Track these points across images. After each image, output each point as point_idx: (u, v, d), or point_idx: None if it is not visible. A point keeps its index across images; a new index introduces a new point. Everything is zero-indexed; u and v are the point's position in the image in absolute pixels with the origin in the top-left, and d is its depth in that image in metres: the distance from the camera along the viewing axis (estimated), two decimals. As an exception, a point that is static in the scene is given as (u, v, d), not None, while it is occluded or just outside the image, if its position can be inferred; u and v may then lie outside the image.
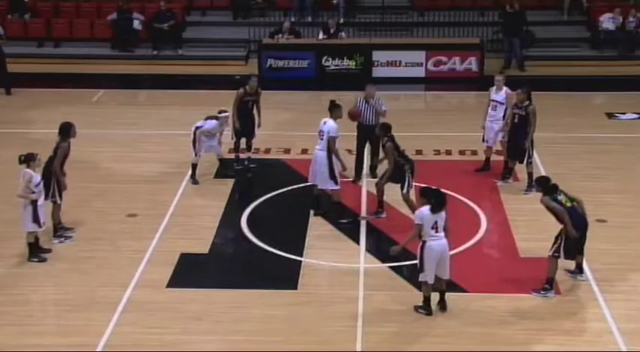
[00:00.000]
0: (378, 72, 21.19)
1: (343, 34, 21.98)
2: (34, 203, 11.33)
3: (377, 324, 10.10)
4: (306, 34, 22.56)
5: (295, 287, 11.01)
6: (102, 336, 9.78)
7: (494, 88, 14.33)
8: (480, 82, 19.70)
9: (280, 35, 21.91)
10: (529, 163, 13.76)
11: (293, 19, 22.81)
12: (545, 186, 10.72)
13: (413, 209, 12.46)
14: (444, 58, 21.27)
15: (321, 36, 21.82)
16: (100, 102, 19.38)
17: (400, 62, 21.29)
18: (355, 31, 23.02)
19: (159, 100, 19.61)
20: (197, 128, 14.08)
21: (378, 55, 21.28)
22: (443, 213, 10.07)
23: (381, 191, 12.75)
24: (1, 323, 10.07)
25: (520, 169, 14.08)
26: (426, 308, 10.27)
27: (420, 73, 21.25)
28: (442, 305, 10.33)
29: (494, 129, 14.29)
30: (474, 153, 15.51)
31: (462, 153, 15.49)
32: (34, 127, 17.16)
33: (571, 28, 23.51)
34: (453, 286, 10.77)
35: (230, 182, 14.24)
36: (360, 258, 11.75)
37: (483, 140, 14.48)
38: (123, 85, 20.67)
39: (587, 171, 14.80)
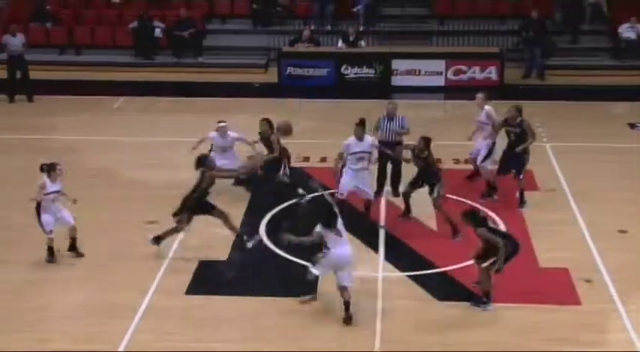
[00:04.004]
0: (397, 80, 21.20)
1: (363, 42, 22.00)
2: (38, 210, 11.45)
3: (395, 333, 10.06)
4: (325, 43, 22.60)
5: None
6: (120, 342, 9.80)
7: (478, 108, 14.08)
8: (500, 91, 19.65)
9: (299, 43, 21.96)
10: (521, 179, 13.50)
11: (313, 27, 22.86)
12: (477, 219, 10.48)
13: (444, 215, 12.47)
14: (463, 67, 21.24)
15: (340, 44, 21.85)
16: (120, 109, 19.49)
17: (420, 71, 21.29)
18: (375, 40, 23.03)
19: (179, 108, 19.69)
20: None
21: (397, 64, 21.28)
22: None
23: (440, 208, 12.65)
24: (19, 329, 10.12)
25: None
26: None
27: (439, 81, 21.23)
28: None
29: (479, 147, 14.08)
30: (494, 162, 15.41)
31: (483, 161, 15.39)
32: (55, 134, 17.28)
33: (592, 38, 23.41)
34: (471, 296, 10.72)
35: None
36: (379, 267, 11.71)
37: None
38: (143, 92, 20.77)
39: (608, 182, 14.69)
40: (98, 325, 10.20)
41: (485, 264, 10.46)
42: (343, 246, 10.31)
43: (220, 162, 13.52)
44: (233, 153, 14.00)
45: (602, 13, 23.57)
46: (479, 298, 10.58)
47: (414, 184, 12.87)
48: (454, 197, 13.57)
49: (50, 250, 11.69)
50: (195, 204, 11.84)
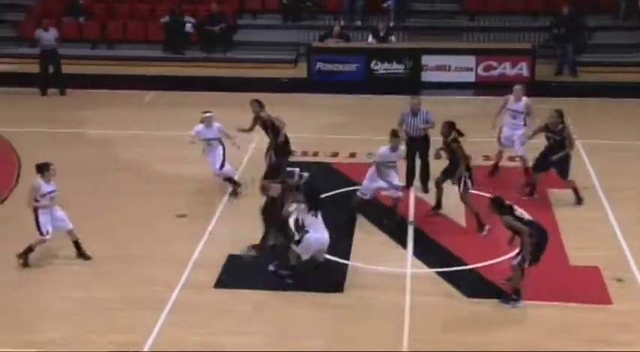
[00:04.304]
0: (427, 76, 21.10)
1: (393, 37, 21.92)
2: (35, 212, 11.38)
3: (423, 330, 10.02)
4: (355, 38, 22.55)
5: (341, 291, 10.99)
6: (149, 334, 9.87)
7: (513, 97, 14.26)
8: (531, 88, 19.48)
9: (330, 39, 21.95)
10: (569, 180, 13.50)
11: (343, 23, 22.82)
12: (502, 207, 10.47)
13: (470, 208, 12.44)
14: (494, 63, 21.08)
15: (370, 39, 21.80)
16: (151, 103, 19.60)
17: (450, 67, 21.17)
18: (405, 35, 22.94)
19: (208, 102, 19.64)
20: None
21: (427, 60, 21.18)
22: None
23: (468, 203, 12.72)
24: (51, 319, 10.24)
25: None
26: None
27: (469, 77, 21.10)
28: None
29: (513, 137, 14.20)
30: (512, 159, 15.38)
31: (511, 159, 15.32)
32: (87, 128, 17.42)
33: (626, 34, 23.12)
34: (500, 293, 10.66)
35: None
36: (407, 263, 11.68)
37: (499, 143, 14.44)
38: (173, 86, 20.87)
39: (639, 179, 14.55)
40: (128, 318, 10.28)
41: (515, 262, 10.39)
42: (322, 230, 10.73)
43: (209, 157, 13.61)
44: (218, 146, 13.74)
45: (637, 9, 23.27)
46: (508, 295, 10.52)
47: (447, 172, 12.88)
48: (483, 193, 13.50)
49: (27, 253, 11.42)
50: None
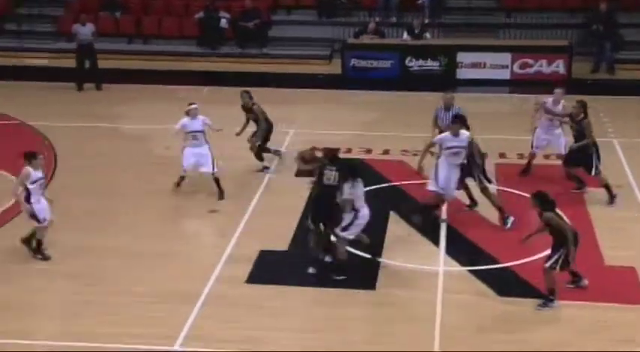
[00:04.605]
0: (462, 73, 20.99)
1: (428, 34, 21.82)
2: (27, 199, 11.40)
3: (455, 329, 9.98)
4: (390, 35, 22.48)
5: (373, 288, 10.98)
6: (182, 328, 9.94)
7: (552, 99, 14.05)
8: (568, 86, 19.25)
9: (364, 35, 21.90)
10: (597, 174, 13.35)
11: (377, 19, 22.76)
12: (546, 202, 10.24)
13: (492, 200, 12.38)
14: (530, 61, 20.90)
15: (405, 36, 21.71)
16: (185, 98, 19.61)
17: (485, 64, 21.03)
18: (440, 32, 22.83)
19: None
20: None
21: (462, 57, 21.06)
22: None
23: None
24: (85, 312, 10.35)
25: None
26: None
27: (505, 75, 20.94)
28: None
29: (549, 138, 14.17)
30: (561, 156, 15.20)
31: (546, 157, 15.20)
32: (122, 122, 17.55)
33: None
34: (534, 293, 10.58)
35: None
36: (440, 261, 11.63)
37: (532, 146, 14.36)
38: (208, 82, 20.96)
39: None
40: (161, 312, 10.35)
41: (548, 264, 10.26)
42: (365, 205, 10.88)
43: (191, 150, 13.52)
44: (204, 143, 13.66)
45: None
46: (545, 299, 10.38)
47: (463, 169, 12.77)
48: (518, 192, 13.43)
49: (40, 246, 11.61)
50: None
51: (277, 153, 14.89)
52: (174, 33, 23.63)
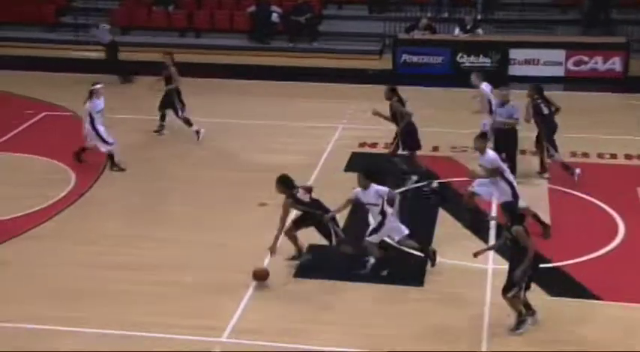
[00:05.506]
0: (514, 70, 20.75)
1: (480, 30, 21.61)
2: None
3: (503, 327, 9.87)
4: (441, 30, 22.31)
5: (421, 284, 10.93)
6: (229, 321, 10.02)
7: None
8: (624, 83, 18.94)
9: (416, 31, 21.77)
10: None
11: (429, 15, 22.61)
12: (517, 215, 9.63)
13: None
14: (585, 58, 20.57)
15: (457, 32, 21.53)
16: (237, 92, 19.80)
17: (538, 60, 20.75)
18: (493, 28, 22.58)
19: (292, 92, 19.86)
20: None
21: (515, 53, 20.83)
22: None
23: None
24: (135, 301, 10.50)
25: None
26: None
27: (559, 72, 20.65)
28: None
29: None
30: (613, 156, 14.97)
31: (600, 156, 14.96)
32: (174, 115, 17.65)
33: None
34: (585, 293, 10.41)
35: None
36: (489, 259, 11.51)
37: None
38: (259, 76, 21.05)
39: None
40: (209, 303, 10.46)
41: (510, 294, 9.56)
42: (390, 208, 10.88)
43: (102, 128, 14.45)
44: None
45: None
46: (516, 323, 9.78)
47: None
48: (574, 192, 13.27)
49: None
50: None
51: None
52: (225, 27, 23.77)
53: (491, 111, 14.06)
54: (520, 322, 9.77)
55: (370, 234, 11.02)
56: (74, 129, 15.48)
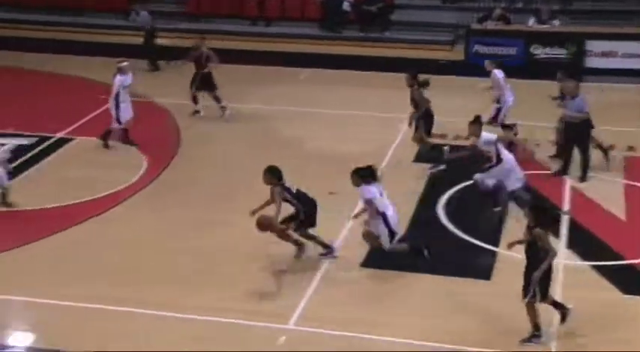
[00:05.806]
0: (591, 62, 20.28)
1: (556, 21, 21.13)
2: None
3: (574, 325, 9.62)
4: (515, 21, 21.90)
5: (488, 278, 10.75)
6: (295, 309, 10.01)
7: None
8: None
9: (489, 21, 21.43)
10: None
11: (503, 5, 22.21)
12: (544, 218, 9.13)
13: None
14: (665, 50, 19.98)
15: (531, 23, 21.12)
16: (306, 81, 19.81)
17: (616, 53, 20.21)
18: (569, 19, 22.07)
19: (363, 82, 19.76)
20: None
21: (591, 45, 20.34)
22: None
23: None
24: (203, 286, 10.57)
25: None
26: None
27: (638, 64, 20.06)
28: None
29: None
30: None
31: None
32: (245, 103, 17.71)
33: None
34: None
35: (428, 166, 14.13)
36: (560, 254, 11.25)
37: None
38: (329, 65, 21.00)
39: None
40: (276, 289, 10.52)
41: (527, 297, 9.18)
42: (390, 206, 10.76)
43: (125, 104, 14.71)
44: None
45: None
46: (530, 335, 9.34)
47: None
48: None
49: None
50: None
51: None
52: (296, 15, 23.77)
53: (499, 100, 14.55)
54: (532, 336, 9.25)
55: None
56: (148, 113, 15.69)
